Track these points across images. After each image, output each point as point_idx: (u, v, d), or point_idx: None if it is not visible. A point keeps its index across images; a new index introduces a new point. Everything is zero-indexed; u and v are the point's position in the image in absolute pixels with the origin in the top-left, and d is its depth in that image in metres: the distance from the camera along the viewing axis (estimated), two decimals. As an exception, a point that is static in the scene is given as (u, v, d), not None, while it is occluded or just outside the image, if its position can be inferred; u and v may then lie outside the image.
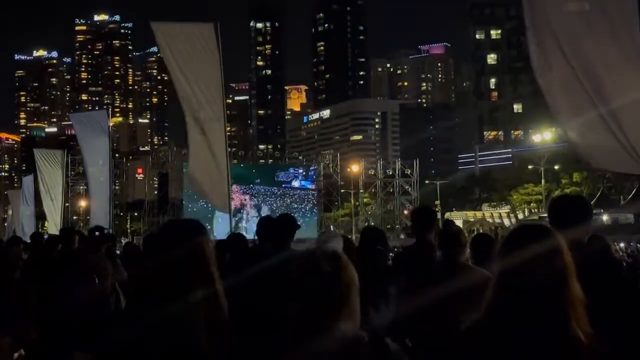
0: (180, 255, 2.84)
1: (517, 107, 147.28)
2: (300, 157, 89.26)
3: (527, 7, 6.96)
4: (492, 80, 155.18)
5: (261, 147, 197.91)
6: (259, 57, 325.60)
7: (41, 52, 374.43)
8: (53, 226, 26.60)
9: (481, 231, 52.11)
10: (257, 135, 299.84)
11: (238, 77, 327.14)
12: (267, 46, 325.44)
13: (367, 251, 6.32)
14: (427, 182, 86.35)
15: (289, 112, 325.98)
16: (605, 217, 70.44)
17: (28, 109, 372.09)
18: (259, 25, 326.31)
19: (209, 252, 2.92)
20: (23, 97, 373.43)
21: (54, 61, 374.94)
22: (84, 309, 6.30)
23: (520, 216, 76.21)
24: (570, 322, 2.56)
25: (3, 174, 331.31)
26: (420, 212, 7.11)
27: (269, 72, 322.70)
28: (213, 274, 2.89)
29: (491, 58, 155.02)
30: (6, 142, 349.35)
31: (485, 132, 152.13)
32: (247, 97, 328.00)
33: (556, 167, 76.27)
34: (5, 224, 77.49)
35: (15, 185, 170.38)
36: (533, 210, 76.40)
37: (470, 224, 70.13)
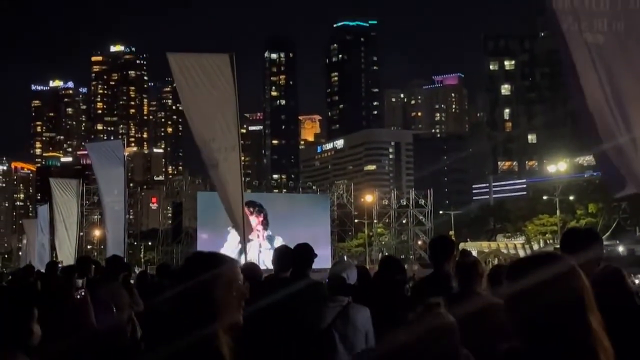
0: (194, 289, 2.72)
1: (531, 138, 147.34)
2: (314, 187, 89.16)
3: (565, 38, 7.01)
4: (506, 111, 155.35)
5: (275, 177, 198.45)
6: (273, 87, 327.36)
7: (57, 83, 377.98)
8: (67, 255, 26.63)
9: (496, 262, 51.88)
10: (271, 165, 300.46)
11: (252, 107, 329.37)
12: (281, 76, 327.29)
13: (387, 281, 6.31)
14: (441, 212, 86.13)
15: (302, 142, 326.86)
16: (621, 249, 69.95)
17: (44, 138, 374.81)
18: (274, 55, 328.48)
19: (221, 286, 2.76)
20: (39, 127, 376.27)
21: (70, 91, 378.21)
22: (102, 338, 6.32)
23: (536, 247, 75.76)
24: (592, 342, 2.52)
25: (18, 203, 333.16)
26: (438, 242, 7.07)
27: (283, 102, 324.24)
28: (228, 308, 2.76)
29: (505, 89, 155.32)
30: (22, 171, 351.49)
31: (499, 163, 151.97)
32: (261, 127, 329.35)
33: (571, 197, 75.96)
34: (20, 253, 77.79)
35: (31, 214, 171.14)
36: (548, 242, 75.93)
37: (485, 255, 69.74)
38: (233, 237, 44.97)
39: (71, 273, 8.13)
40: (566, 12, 6.76)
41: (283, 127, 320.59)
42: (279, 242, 59.37)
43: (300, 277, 6.14)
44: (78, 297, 6.21)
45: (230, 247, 50.40)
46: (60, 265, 13.37)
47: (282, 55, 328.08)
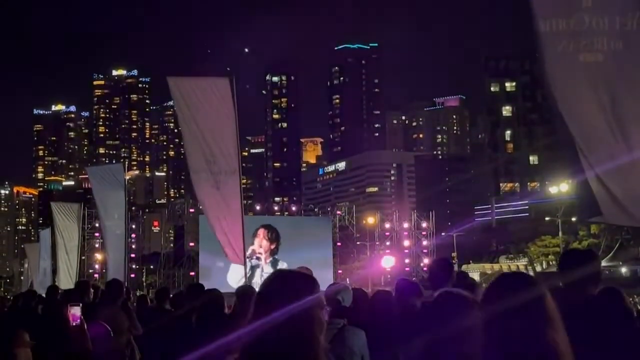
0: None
1: (533, 159, 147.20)
2: (315, 209, 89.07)
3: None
4: (508, 132, 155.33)
5: (277, 199, 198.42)
6: (275, 110, 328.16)
7: (59, 107, 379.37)
8: (66, 280, 26.60)
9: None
10: (273, 188, 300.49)
11: (254, 130, 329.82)
12: (282, 99, 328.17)
13: (405, 305, 6.27)
14: (443, 234, 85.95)
15: (304, 165, 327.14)
16: (624, 270, 69.68)
17: (46, 162, 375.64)
18: (275, 78, 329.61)
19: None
20: (41, 151, 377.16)
21: (72, 115, 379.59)
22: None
23: (538, 268, 75.59)
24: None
25: (20, 227, 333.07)
26: (436, 264, 7.07)
27: (285, 124, 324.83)
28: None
29: (506, 110, 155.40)
30: (24, 195, 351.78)
31: (501, 184, 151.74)
32: (263, 150, 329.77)
33: (573, 219, 75.80)
34: (22, 277, 77.61)
35: (32, 238, 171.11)
36: (551, 263, 75.73)
37: (487, 277, 69.54)
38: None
39: (70, 297, 8.14)
40: (560, 34, 6.80)
41: (285, 149, 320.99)
42: (282, 266, 59.25)
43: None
44: (74, 323, 6.19)
45: (235, 270, 50.31)
46: (60, 290, 13.37)
47: (283, 78, 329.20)
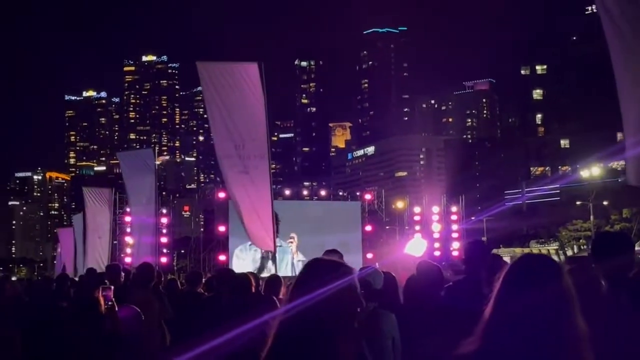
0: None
1: (564, 143, 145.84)
2: (345, 194, 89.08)
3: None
4: (538, 116, 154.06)
5: (306, 183, 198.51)
6: (304, 95, 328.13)
7: (90, 93, 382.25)
8: (97, 264, 26.88)
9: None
10: (302, 172, 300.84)
11: (283, 114, 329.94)
12: (311, 84, 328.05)
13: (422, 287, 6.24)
14: (473, 218, 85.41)
15: (333, 149, 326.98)
16: (657, 254, 68.88)
17: (78, 148, 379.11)
18: (304, 63, 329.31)
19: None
20: (73, 137, 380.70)
21: (103, 101, 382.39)
22: (130, 345, 6.36)
23: (569, 252, 74.92)
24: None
25: (53, 212, 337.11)
26: (474, 246, 6.89)
27: (314, 109, 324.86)
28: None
29: (537, 93, 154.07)
30: (56, 181, 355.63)
31: (531, 168, 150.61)
32: (292, 135, 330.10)
33: (605, 202, 75.00)
34: (55, 262, 78.48)
35: (65, 223, 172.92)
36: (582, 247, 75.05)
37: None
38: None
39: (101, 281, 8.22)
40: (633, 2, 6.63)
41: (314, 134, 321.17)
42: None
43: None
44: (105, 305, 6.26)
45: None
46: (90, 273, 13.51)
47: (312, 62, 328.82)
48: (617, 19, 6.56)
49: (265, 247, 15.56)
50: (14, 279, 49.44)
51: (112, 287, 6.47)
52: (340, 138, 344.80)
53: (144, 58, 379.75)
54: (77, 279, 19.83)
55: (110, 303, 6.26)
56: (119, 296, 6.78)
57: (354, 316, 2.61)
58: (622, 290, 2.82)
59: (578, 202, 79.47)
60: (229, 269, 9.45)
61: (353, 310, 2.62)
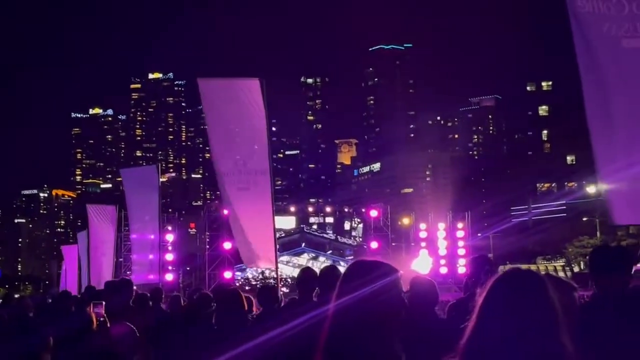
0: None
1: (571, 159, 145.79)
2: (350, 210, 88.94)
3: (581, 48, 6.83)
4: (544, 132, 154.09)
5: (312, 200, 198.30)
6: (310, 112, 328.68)
7: (97, 110, 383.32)
8: (101, 281, 26.81)
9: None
10: (308, 189, 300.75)
11: (289, 131, 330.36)
12: (317, 101, 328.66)
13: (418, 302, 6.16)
14: (479, 234, 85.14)
15: (339, 166, 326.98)
16: (664, 270, 68.54)
17: (84, 165, 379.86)
18: (310, 80, 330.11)
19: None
20: (79, 154, 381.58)
21: (110, 118, 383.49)
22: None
23: (576, 269, 74.57)
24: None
25: (59, 229, 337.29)
26: (480, 260, 6.83)
27: (320, 126, 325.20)
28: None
29: (542, 110, 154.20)
30: (62, 198, 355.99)
31: (538, 184, 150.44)
32: (298, 152, 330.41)
33: (612, 218, 74.72)
34: (60, 279, 78.45)
35: (71, 240, 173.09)
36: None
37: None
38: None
39: (97, 297, 8.14)
40: (602, 17, 6.58)
41: (320, 151, 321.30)
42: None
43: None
44: (97, 322, 6.18)
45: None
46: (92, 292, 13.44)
47: (317, 79, 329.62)
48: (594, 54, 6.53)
49: (266, 265, 15.44)
50: (16, 296, 49.36)
51: (103, 304, 6.40)
52: (346, 155, 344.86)
53: (150, 76, 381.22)
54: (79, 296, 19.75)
55: (102, 319, 6.19)
56: (113, 313, 6.70)
57: (398, 316, 2.67)
58: (612, 306, 2.74)
59: (585, 218, 79.28)
60: (222, 284, 9.43)
61: (397, 310, 2.67)
